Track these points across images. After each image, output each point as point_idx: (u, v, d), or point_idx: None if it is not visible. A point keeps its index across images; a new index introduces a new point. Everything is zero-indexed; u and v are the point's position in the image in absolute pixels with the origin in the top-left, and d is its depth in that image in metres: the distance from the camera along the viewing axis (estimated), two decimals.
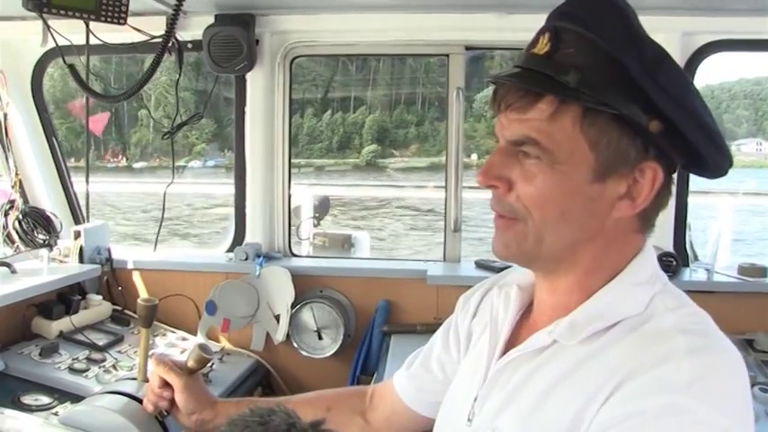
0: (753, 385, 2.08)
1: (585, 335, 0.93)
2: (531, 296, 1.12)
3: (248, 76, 2.72)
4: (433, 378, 1.32)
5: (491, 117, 1.01)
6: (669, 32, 2.48)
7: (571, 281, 0.99)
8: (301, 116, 27.42)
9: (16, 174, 2.81)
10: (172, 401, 1.45)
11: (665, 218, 2.59)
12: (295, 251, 2.96)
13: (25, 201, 2.84)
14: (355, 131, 27.68)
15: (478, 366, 1.10)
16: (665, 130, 0.90)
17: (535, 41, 0.95)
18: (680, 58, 2.52)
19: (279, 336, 2.64)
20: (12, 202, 2.75)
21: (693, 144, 0.92)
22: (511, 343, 1.07)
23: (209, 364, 2.24)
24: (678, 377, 0.82)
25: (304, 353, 2.67)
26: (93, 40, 2.43)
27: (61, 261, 2.67)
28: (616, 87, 0.89)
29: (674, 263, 2.51)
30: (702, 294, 2.47)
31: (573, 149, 0.91)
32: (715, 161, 0.96)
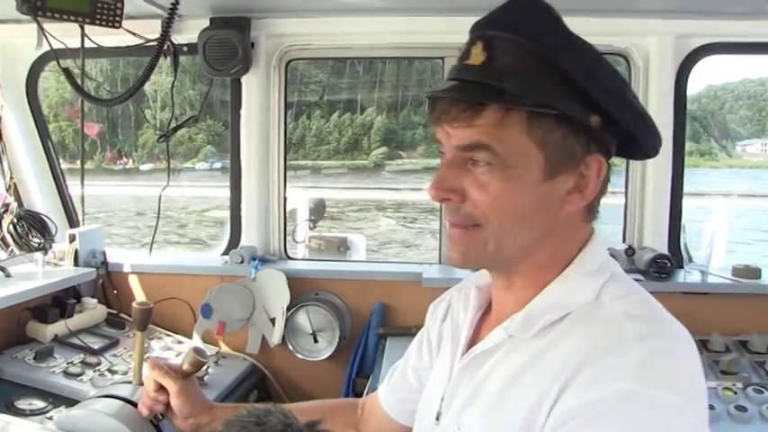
0: (747, 386, 2.10)
1: (538, 328, 0.96)
2: (489, 295, 1.14)
3: (244, 79, 2.71)
4: (410, 387, 1.35)
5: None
6: (662, 35, 2.50)
7: (527, 277, 1.01)
8: (308, 118, 27.40)
9: (11, 177, 2.81)
10: (167, 405, 1.44)
11: (660, 220, 2.60)
12: (290, 254, 2.96)
13: (20, 204, 2.83)
14: (363, 133, 27.68)
15: (444, 367, 1.14)
16: (604, 122, 0.94)
17: (467, 53, 0.96)
18: (673, 60, 2.53)
19: (274, 338, 2.64)
20: (6, 206, 2.74)
21: (630, 131, 0.96)
22: (473, 342, 1.10)
23: (205, 368, 2.24)
24: (628, 363, 0.85)
25: (300, 356, 2.67)
26: (87, 44, 2.43)
27: (56, 264, 2.67)
28: (556, 89, 0.91)
29: (669, 264, 2.51)
30: (697, 296, 2.48)
31: (523, 152, 0.93)
32: (648, 143, 1.01)
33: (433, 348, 1.28)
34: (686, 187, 2.67)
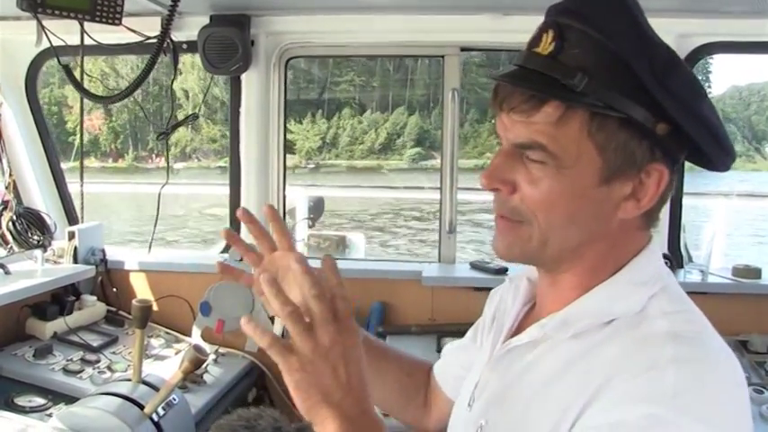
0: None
1: (575, 331, 0.92)
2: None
3: (243, 76, 2.71)
4: (461, 363, 1.30)
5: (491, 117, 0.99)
6: (664, 34, 2.43)
7: (574, 278, 0.97)
8: (339, 117, 27.36)
9: (10, 174, 2.80)
10: None
11: (660, 219, 2.60)
12: None
13: (19, 201, 2.83)
14: (396, 133, 27.59)
15: (483, 354, 1.11)
16: (672, 131, 0.88)
17: (537, 39, 0.91)
18: None
19: None
20: (5, 203, 2.74)
21: (699, 145, 0.90)
22: (515, 334, 1.06)
23: (204, 365, 2.24)
24: (662, 387, 0.80)
25: None
26: (87, 41, 2.43)
27: (55, 262, 2.67)
28: (624, 90, 0.86)
29: (669, 264, 2.50)
30: (697, 296, 2.46)
31: (580, 154, 0.88)
32: (719, 159, 0.95)
33: (484, 331, 1.24)
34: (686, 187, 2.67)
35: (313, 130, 27.08)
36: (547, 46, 0.89)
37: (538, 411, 0.91)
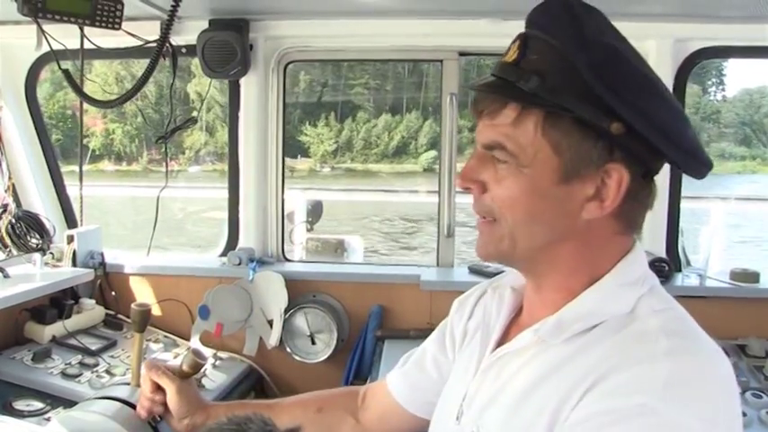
0: (745, 391, 2.09)
1: (569, 334, 0.95)
2: (522, 298, 1.13)
3: (242, 81, 2.72)
4: (427, 377, 1.33)
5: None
6: (661, 39, 2.50)
7: (555, 280, 1.01)
8: (353, 120, 27.33)
9: (9, 178, 2.80)
10: (165, 406, 1.44)
11: (657, 223, 2.61)
12: (288, 256, 2.96)
13: (18, 205, 2.83)
14: (411, 137, 27.56)
15: (469, 365, 1.12)
16: (628, 131, 0.90)
17: (508, 49, 0.98)
18: (672, 64, 2.54)
19: (272, 340, 2.64)
20: (4, 207, 2.74)
21: (655, 146, 0.92)
22: (502, 343, 1.09)
23: (203, 369, 2.24)
24: (653, 378, 0.83)
25: (297, 358, 2.67)
26: (87, 45, 2.43)
27: (54, 265, 2.66)
28: (573, 91, 0.90)
29: (667, 268, 2.52)
30: (695, 300, 2.48)
31: (536, 153, 0.93)
32: (685, 163, 0.97)
33: (456, 344, 1.27)
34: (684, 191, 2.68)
35: (328, 133, 27.24)
36: (512, 55, 0.96)
37: (532, 409, 0.93)
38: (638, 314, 0.94)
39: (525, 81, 0.91)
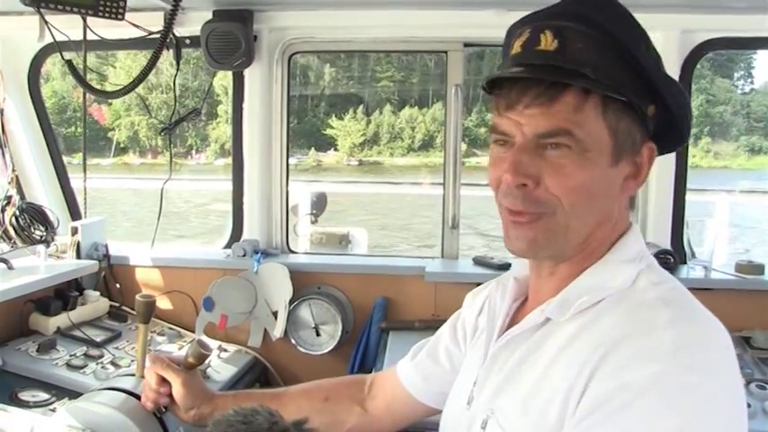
0: (749, 382, 2.09)
1: (574, 310, 0.97)
2: (527, 287, 1.15)
3: (246, 72, 2.71)
4: (440, 368, 1.35)
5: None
6: (668, 30, 2.49)
7: (573, 265, 1.03)
8: (380, 113, 27.29)
9: (13, 170, 2.81)
10: (170, 398, 1.45)
11: (663, 215, 2.60)
12: (293, 248, 2.96)
13: (22, 197, 2.83)
14: (436, 130, 27.53)
15: (477, 353, 1.14)
16: (657, 113, 1.00)
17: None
18: (678, 55, 2.53)
19: (276, 332, 2.64)
20: (8, 198, 2.74)
21: (677, 121, 1.02)
22: (508, 329, 1.10)
23: (207, 361, 2.25)
24: (661, 346, 0.86)
25: (302, 349, 2.67)
26: (90, 36, 2.42)
27: (58, 257, 2.67)
28: (625, 77, 0.95)
29: (672, 260, 2.51)
30: (700, 292, 2.46)
31: (598, 137, 0.96)
32: (688, 134, 1.08)
33: (467, 337, 1.29)
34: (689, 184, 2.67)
35: (355, 125, 27.11)
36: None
37: (545, 388, 0.95)
38: (638, 287, 0.98)
39: (585, 68, 0.94)
